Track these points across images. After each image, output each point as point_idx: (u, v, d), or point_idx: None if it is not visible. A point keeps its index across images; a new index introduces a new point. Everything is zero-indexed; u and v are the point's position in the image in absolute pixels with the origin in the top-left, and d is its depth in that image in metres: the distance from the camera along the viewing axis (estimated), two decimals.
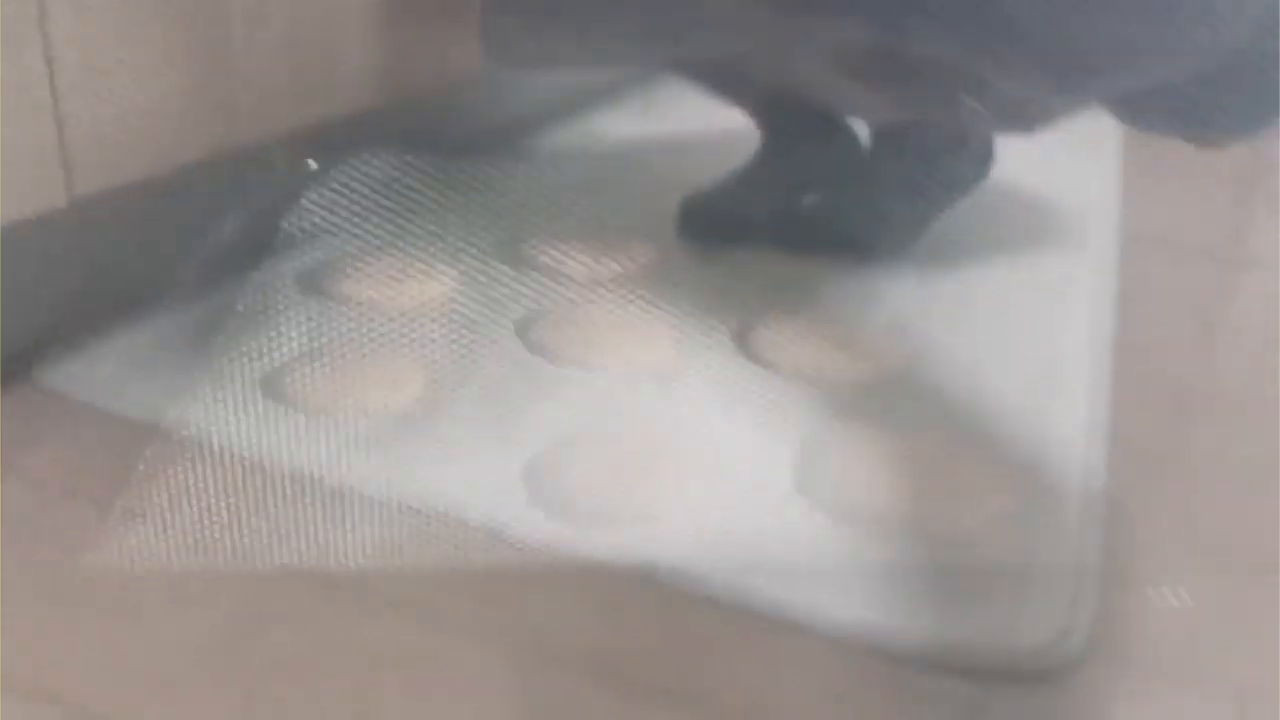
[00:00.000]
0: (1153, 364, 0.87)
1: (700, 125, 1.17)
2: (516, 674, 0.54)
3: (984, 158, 1.07)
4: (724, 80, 1.05)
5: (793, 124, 1.08)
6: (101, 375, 0.75)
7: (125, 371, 0.75)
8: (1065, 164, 1.21)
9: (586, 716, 0.52)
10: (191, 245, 0.76)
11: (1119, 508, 0.68)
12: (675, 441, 0.70)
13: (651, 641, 0.57)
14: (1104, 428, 0.76)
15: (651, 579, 0.59)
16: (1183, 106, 0.85)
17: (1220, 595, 0.63)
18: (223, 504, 0.59)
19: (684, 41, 0.90)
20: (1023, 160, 1.10)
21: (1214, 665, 0.58)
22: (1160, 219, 1.16)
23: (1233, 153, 0.95)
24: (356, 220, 0.67)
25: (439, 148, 0.82)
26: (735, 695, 0.54)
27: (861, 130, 1.07)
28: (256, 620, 0.56)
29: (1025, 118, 0.93)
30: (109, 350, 0.77)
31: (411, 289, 0.76)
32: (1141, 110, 0.89)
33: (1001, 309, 0.94)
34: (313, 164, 0.63)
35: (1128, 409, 0.78)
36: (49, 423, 0.71)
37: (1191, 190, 1.23)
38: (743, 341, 0.82)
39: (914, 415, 0.74)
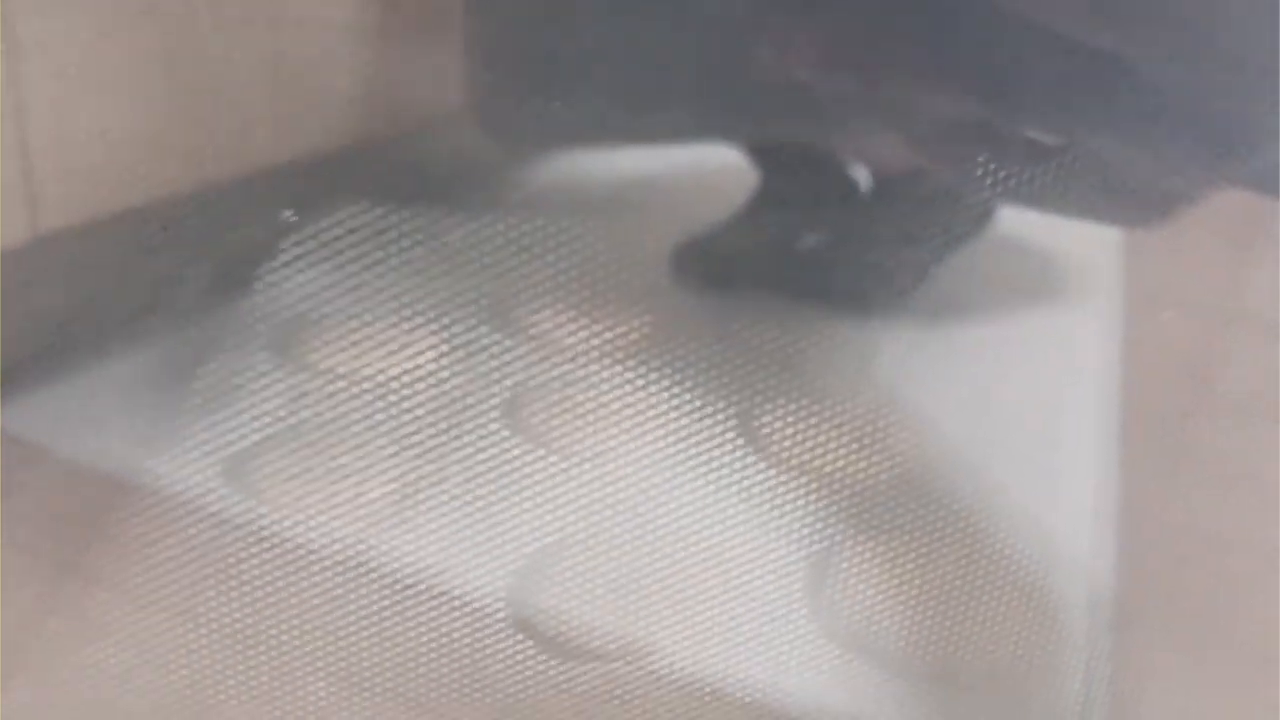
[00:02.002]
0: (1159, 427, 0.84)
1: (694, 161, 1.14)
2: None
3: (986, 207, 1.05)
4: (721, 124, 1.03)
5: (792, 166, 1.05)
6: (65, 419, 0.71)
7: (89, 416, 0.71)
8: None
9: None
10: (162, 284, 0.73)
11: (1130, 595, 0.65)
12: (674, 555, 0.65)
13: None
14: (1113, 502, 0.73)
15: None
16: None
17: (1236, 688, 0.60)
18: (185, 575, 0.56)
19: (726, 120, 0.85)
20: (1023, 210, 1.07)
21: None
22: (1164, 271, 1.13)
23: (1236, 202, 0.93)
24: (334, 277, 0.63)
25: (425, 187, 0.79)
26: None
27: (860, 175, 1.05)
28: (216, 696, 0.52)
29: (1157, 208, 0.86)
30: (72, 393, 0.74)
31: (391, 360, 0.72)
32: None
33: (1002, 369, 0.92)
34: (290, 215, 0.60)
35: (1136, 479, 0.76)
36: (7, 470, 0.67)
37: (1195, 240, 1.21)
38: (746, 429, 0.77)
39: (925, 517, 0.71)
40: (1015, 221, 1.06)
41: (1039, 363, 0.93)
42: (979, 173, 0.78)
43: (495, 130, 0.90)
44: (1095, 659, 0.61)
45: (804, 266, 1.02)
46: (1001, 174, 0.76)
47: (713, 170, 1.09)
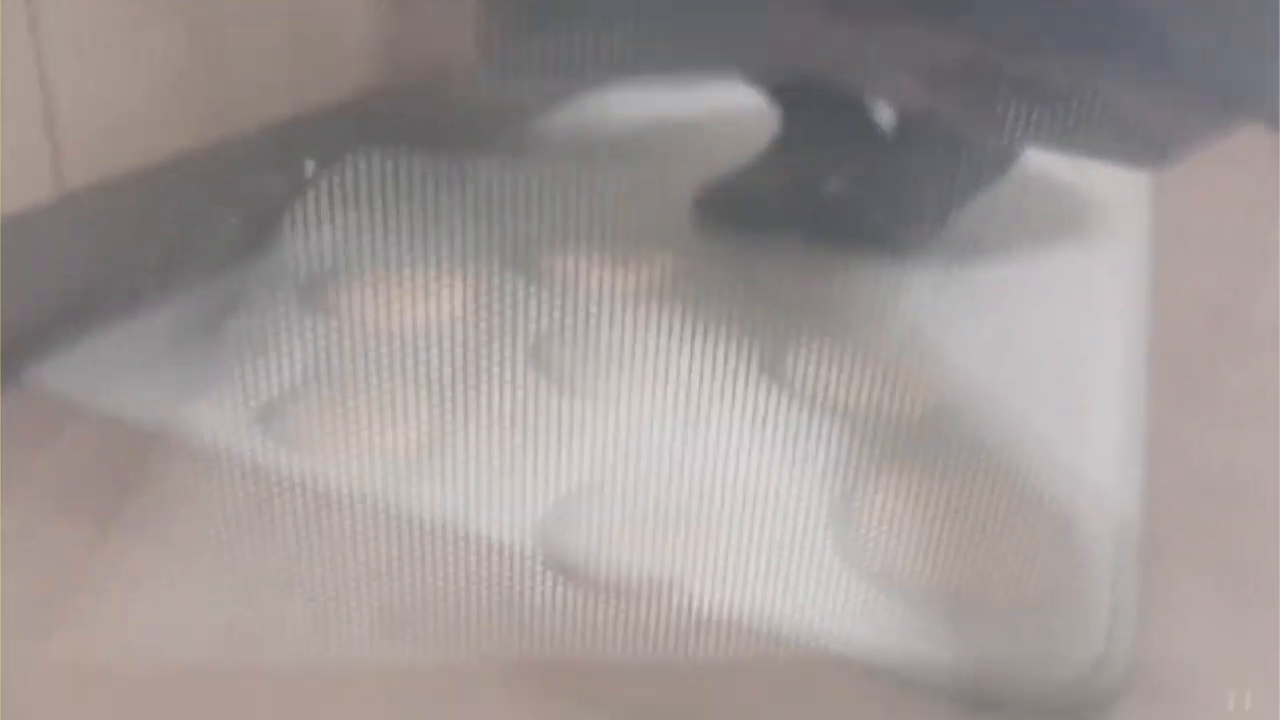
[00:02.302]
0: (1188, 365, 0.84)
1: (715, 102, 1.13)
2: None
3: (1012, 147, 1.04)
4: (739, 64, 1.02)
5: (814, 108, 1.04)
6: (99, 374, 0.72)
7: (123, 370, 0.72)
8: None
9: None
10: (188, 238, 0.73)
11: (1156, 530, 0.65)
12: (700, 490, 0.66)
13: (677, 677, 0.55)
14: (1140, 440, 0.73)
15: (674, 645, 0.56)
16: None
17: (1263, 625, 0.60)
18: (222, 524, 0.57)
19: (737, 54, 0.84)
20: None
21: (1258, 702, 0.56)
22: (1193, 211, 1.12)
23: (1263, 140, 0.91)
24: (359, 225, 0.64)
25: (445, 135, 0.79)
26: None
27: (884, 116, 1.04)
28: (256, 643, 0.53)
29: (1163, 148, 0.85)
30: (106, 348, 0.75)
31: (417, 306, 0.72)
32: None
33: (1030, 307, 0.91)
34: (311, 164, 0.60)
35: (1164, 417, 0.75)
36: (42, 425, 0.68)
37: (1225, 178, 1.19)
38: (772, 367, 0.78)
39: (951, 452, 0.71)
40: (1041, 161, 1.05)
41: (1065, 301, 0.93)
42: (994, 114, 0.77)
43: (503, 68, 0.89)
44: (1121, 590, 0.61)
45: (828, 209, 1.01)
46: (1015, 115, 0.76)
47: (735, 113, 1.08)
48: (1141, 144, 0.83)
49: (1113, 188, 1.13)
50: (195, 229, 0.72)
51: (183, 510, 0.57)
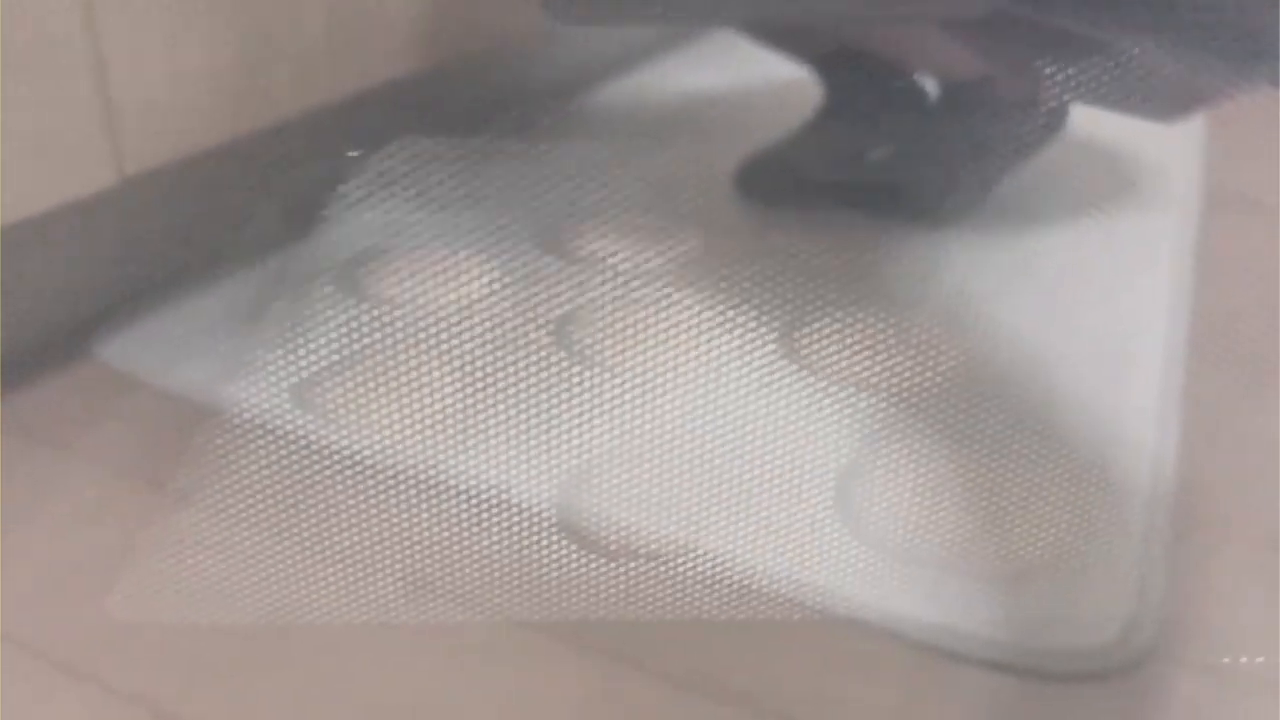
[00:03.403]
0: (1232, 334, 0.83)
1: (756, 77, 1.13)
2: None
3: (1058, 113, 1.02)
4: (784, 32, 1.02)
5: (857, 79, 1.04)
6: (152, 351, 0.75)
7: (174, 348, 0.75)
8: None
9: (634, 704, 0.52)
10: (239, 222, 0.76)
11: (1190, 496, 0.65)
12: (712, 459, 0.67)
13: (695, 638, 0.56)
14: (1177, 407, 0.73)
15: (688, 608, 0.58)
16: None
17: None
18: (265, 491, 0.60)
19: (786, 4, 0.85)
20: (1098, 113, 1.04)
21: None
22: (1243, 177, 1.10)
23: None
24: (395, 209, 0.66)
25: (486, 117, 0.80)
26: (788, 692, 0.53)
27: (928, 85, 1.03)
28: (303, 616, 0.56)
29: (1179, 102, 0.85)
30: (159, 327, 0.78)
31: (449, 287, 0.74)
32: None
33: (1073, 275, 0.91)
34: (353, 153, 0.62)
35: (1205, 384, 0.75)
36: (105, 399, 0.72)
37: (1274, 146, 1.16)
38: (789, 342, 0.78)
39: (972, 418, 0.71)
40: (1086, 126, 1.03)
41: (1109, 268, 0.92)
42: (1027, 71, 0.77)
43: (565, 11, 0.89)
44: (1153, 555, 0.61)
45: (871, 180, 1.01)
46: (1043, 68, 0.75)
47: (776, 86, 1.08)
48: (1159, 97, 0.82)
49: (1159, 154, 1.11)
50: (242, 213, 0.75)
51: (229, 478, 0.60)
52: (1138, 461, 0.69)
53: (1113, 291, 0.88)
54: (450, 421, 0.68)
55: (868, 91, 1.04)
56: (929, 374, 0.73)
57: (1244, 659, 0.56)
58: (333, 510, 0.58)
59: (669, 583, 0.57)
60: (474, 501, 0.61)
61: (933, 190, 0.99)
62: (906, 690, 0.54)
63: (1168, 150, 1.12)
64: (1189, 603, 0.59)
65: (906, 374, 0.72)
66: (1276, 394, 0.77)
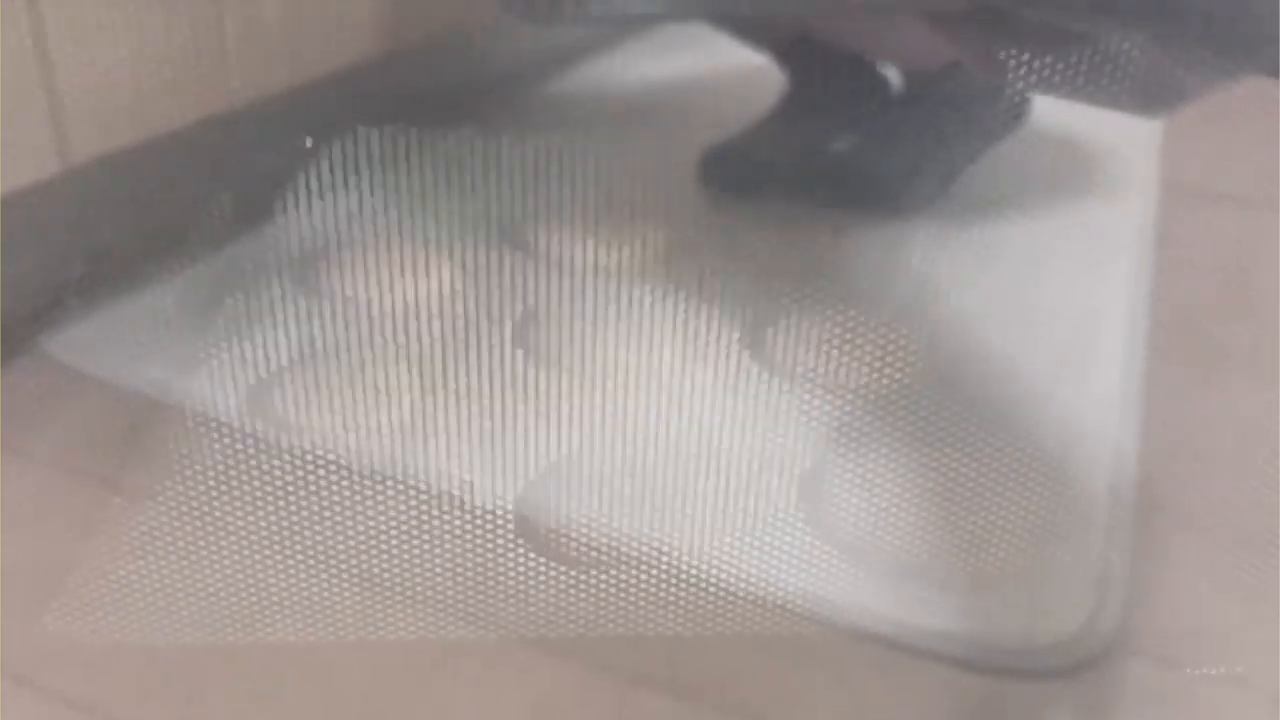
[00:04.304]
0: (1192, 322, 0.83)
1: (718, 65, 1.12)
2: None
3: (1020, 104, 1.03)
4: (747, 21, 1.01)
5: (819, 68, 1.03)
6: (99, 346, 0.73)
7: (122, 343, 0.74)
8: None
9: (585, 701, 0.52)
10: (190, 212, 0.74)
11: (1151, 489, 0.65)
12: (674, 461, 0.66)
13: (649, 643, 0.56)
14: (1138, 400, 0.73)
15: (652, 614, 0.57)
16: None
17: (1259, 583, 0.60)
18: (217, 492, 0.58)
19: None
20: (1058, 104, 1.05)
21: (1250, 660, 0.56)
22: (1202, 166, 1.11)
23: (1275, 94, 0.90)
24: (352, 201, 0.64)
25: (445, 105, 0.79)
26: (745, 686, 0.53)
27: (891, 74, 1.03)
28: (265, 610, 0.55)
29: (1164, 96, 0.85)
30: (106, 321, 0.76)
31: (407, 284, 0.73)
32: None
33: (1034, 264, 0.91)
34: (309, 140, 0.61)
35: (1164, 377, 0.75)
36: (49, 396, 0.70)
37: (1235, 135, 1.17)
38: (755, 342, 0.77)
39: (933, 416, 0.71)
40: (1048, 119, 1.04)
41: (1070, 260, 0.92)
42: (1000, 60, 0.76)
43: (523, 9, 0.88)
44: (1115, 549, 0.61)
45: (835, 170, 1.01)
46: (1021, 63, 0.75)
47: (741, 75, 1.07)
48: (1146, 91, 0.82)
49: (1119, 143, 1.12)
50: (193, 205, 0.73)
51: (179, 478, 0.59)
52: (1099, 453, 0.69)
53: (1074, 281, 0.89)
54: (408, 420, 0.67)
55: (830, 81, 1.04)
56: (893, 373, 0.72)
57: (1206, 650, 0.56)
58: (286, 512, 0.57)
59: (629, 584, 0.56)
60: (432, 503, 0.60)
61: (895, 180, 0.98)
62: (869, 688, 0.54)
63: (1127, 140, 1.13)
64: (1151, 595, 0.59)
65: (871, 373, 0.72)
66: (1238, 384, 0.78)
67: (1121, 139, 1.12)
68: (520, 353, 0.74)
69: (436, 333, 0.67)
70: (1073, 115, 1.10)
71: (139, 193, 0.76)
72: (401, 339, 0.68)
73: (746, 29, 1.02)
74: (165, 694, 0.51)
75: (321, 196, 0.61)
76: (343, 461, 0.61)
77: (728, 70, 1.12)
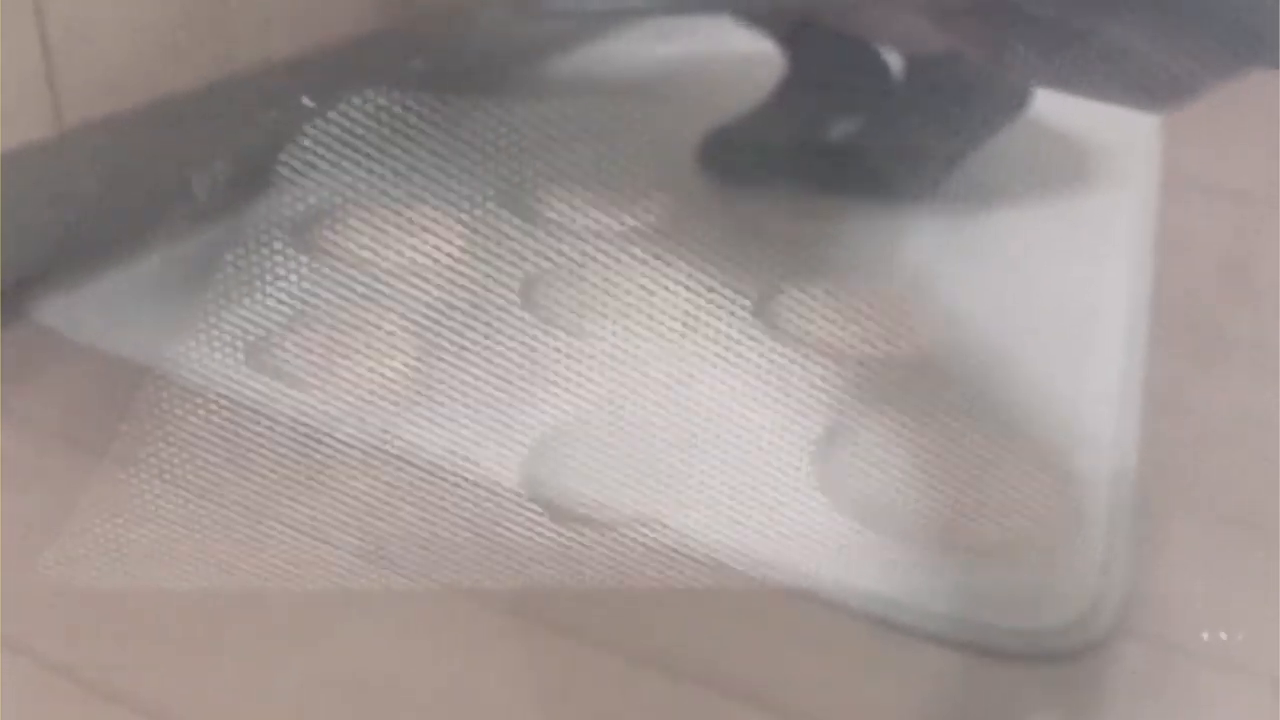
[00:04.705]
0: (1191, 314, 0.84)
1: (719, 49, 1.12)
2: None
3: (1022, 92, 1.02)
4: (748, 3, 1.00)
5: (821, 53, 1.03)
6: (95, 312, 0.73)
7: (119, 309, 0.73)
8: None
9: (590, 679, 0.52)
10: (186, 178, 0.73)
11: (1152, 474, 0.65)
12: (685, 426, 0.66)
13: (653, 612, 0.55)
14: (1138, 387, 0.73)
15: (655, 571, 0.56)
16: None
17: (1258, 570, 0.60)
18: (216, 459, 0.58)
19: None
20: (1058, 95, 1.05)
21: (1248, 646, 0.56)
22: (1201, 159, 1.11)
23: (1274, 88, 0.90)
24: (353, 164, 0.64)
25: (445, 77, 0.78)
26: (754, 667, 0.53)
27: (892, 60, 1.03)
28: (247, 584, 0.54)
29: (1171, 91, 0.85)
30: (102, 286, 0.75)
31: (408, 244, 0.72)
32: None
33: (1034, 254, 0.91)
34: (308, 101, 0.60)
35: (1164, 364, 0.75)
36: (40, 361, 0.69)
37: (1234, 129, 1.17)
38: (763, 309, 0.77)
39: (942, 394, 0.70)
40: (1049, 108, 1.03)
41: (1070, 249, 0.92)
42: (1003, 54, 0.76)
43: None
44: (1116, 534, 0.61)
45: (835, 156, 1.00)
46: (1024, 56, 0.75)
47: (745, 57, 1.07)
48: (1149, 86, 0.82)
49: (1120, 136, 1.12)
50: (192, 168, 0.72)
51: (174, 441, 0.58)
52: (1100, 441, 0.69)
53: (1073, 271, 0.89)
54: (409, 385, 0.66)
55: (832, 66, 1.03)
56: (903, 345, 0.72)
57: (1205, 636, 0.56)
58: (282, 475, 0.57)
59: (631, 553, 0.56)
60: (433, 467, 0.59)
61: (896, 167, 0.98)
62: (868, 666, 0.54)
63: (1126, 132, 1.13)
64: (1151, 580, 0.59)
65: (881, 344, 0.71)
66: (1234, 373, 0.78)
67: (1121, 132, 1.12)
68: (523, 314, 0.73)
69: (437, 294, 0.67)
70: (1073, 108, 1.10)
71: (136, 157, 0.75)
72: (402, 299, 0.68)
73: (748, 13, 1.02)
74: (147, 656, 0.51)
75: (322, 160, 0.60)
76: (338, 422, 0.60)
77: (729, 54, 1.11)
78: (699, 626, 0.55)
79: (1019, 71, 0.83)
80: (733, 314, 0.73)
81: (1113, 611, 0.56)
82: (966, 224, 0.94)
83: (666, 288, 0.69)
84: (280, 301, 0.66)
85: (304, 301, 0.68)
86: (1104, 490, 0.64)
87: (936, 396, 0.69)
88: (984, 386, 0.71)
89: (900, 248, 0.89)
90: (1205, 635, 0.56)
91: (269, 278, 0.66)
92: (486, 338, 0.64)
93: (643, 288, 0.69)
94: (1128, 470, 0.66)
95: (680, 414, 0.66)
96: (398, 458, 0.61)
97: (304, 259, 0.74)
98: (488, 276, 0.69)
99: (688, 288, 0.69)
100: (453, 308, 0.66)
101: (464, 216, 0.72)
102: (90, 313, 0.72)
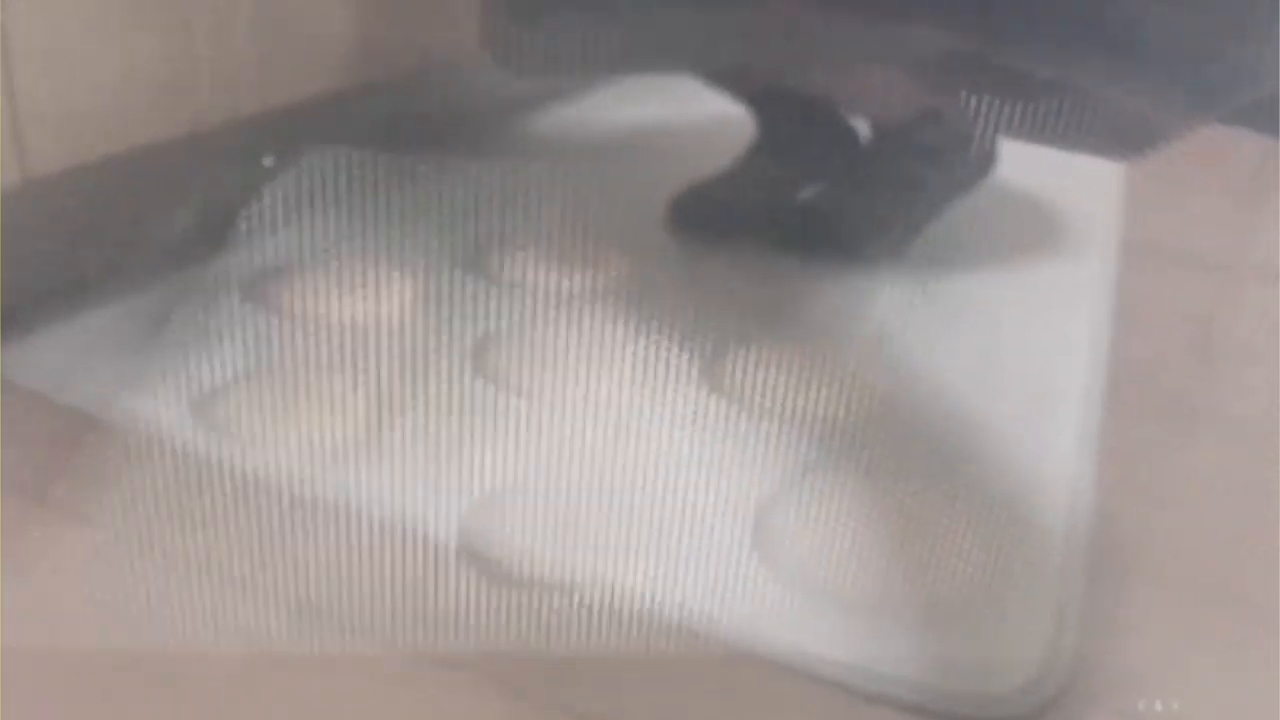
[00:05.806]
0: (1151, 380, 0.84)
1: (689, 111, 1.13)
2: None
3: (987, 157, 1.04)
4: (720, 69, 1.02)
5: (789, 117, 1.04)
6: (50, 363, 0.72)
7: (65, 358, 0.72)
8: (1066, 165, 1.18)
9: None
10: (147, 231, 0.73)
11: (1107, 538, 0.65)
12: (627, 488, 0.66)
13: (594, 674, 0.54)
14: (1095, 452, 0.73)
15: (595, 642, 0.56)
16: None
17: (1213, 636, 0.60)
18: (153, 509, 0.57)
19: (726, 50, 0.85)
20: (1023, 160, 1.06)
21: (1205, 708, 0.55)
22: (1163, 225, 1.12)
23: (1240, 157, 0.92)
24: (311, 221, 0.64)
25: (414, 134, 0.79)
26: None
27: (860, 125, 1.04)
28: (177, 626, 0.53)
29: (1140, 138, 0.86)
30: (59, 337, 0.74)
31: (363, 302, 0.73)
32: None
33: (996, 318, 0.91)
34: (269, 160, 0.61)
35: (1123, 429, 0.75)
36: None
37: (1196, 196, 1.19)
38: (712, 371, 0.77)
39: (891, 456, 0.71)
40: (1013, 173, 1.05)
41: (1033, 313, 0.93)
42: (973, 107, 0.78)
43: (506, 57, 0.89)
44: (1068, 596, 0.61)
45: (801, 218, 1.01)
46: (995, 108, 0.76)
47: (710, 120, 1.08)
48: (1117, 134, 0.83)
49: (1083, 199, 1.14)
50: (153, 222, 0.72)
51: (115, 494, 0.57)
52: (1055, 504, 0.69)
53: (1033, 335, 0.89)
54: (357, 442, 0.66)
55: (800, 129, 1.05)
56: (853, 408, 0.72)
57: (1158, 704, 0.55)
58: (223, 530, 0.56)
59: (577, 615, 0.55)
60: (377, 526, 0.59)
61: (862, 230, 0.99)
62: None
63: (1088, 196, 1.14)
64: (1103, 646, 0.59)
65: (830, 407, 0.72)
66: (1193, 439, 0.78)
67: (1084, 195, 1.14)
68: (473, 374, 0.73)
69: (388, 352, 0.67)
70: (1036, 171, 1.11)
71: (97, 209, 0.75)
72: (353, 357, 0.68)
73: (718, 76, 1.03)
74: (79, 709, 0.50)
75: (280, 217, 0.60)
76: (281, 478, 0.60)
77: (700, 117, 1.13)
78: (639, 689, 0.54)
79: (988, 123, 0.85)
80: (681, 374, 0.73)
81: (1064, 676, 0.56)
82: (929, 287, 0.95)
83: (615, 348, 0.69)
84: (232, 357, 0.66)
85: (256, 357, 0.67)
86: (1058, 552, 0.64)
87: (886, 458, 0.69)
88: (939, 448, 0.71)
89: (862, 309, 0.90)
90: (1159, 704, 0.55)
91: (223, 332, 0.66)
92: (436, 397, 0.64)
93: (592, 348, 0.70)
94: (1082, 534, 0.66)
95: (623, 475, 0.66)
96: (342, 515, 0.60)
97: (256, 315, 0.74)
98: (441, 336, 0.69)
99: (637, 348, 0.69)
100: (404, 367, 0.66)
101: (420, 275, 0.72)
102: (42, 362, 0.72)
